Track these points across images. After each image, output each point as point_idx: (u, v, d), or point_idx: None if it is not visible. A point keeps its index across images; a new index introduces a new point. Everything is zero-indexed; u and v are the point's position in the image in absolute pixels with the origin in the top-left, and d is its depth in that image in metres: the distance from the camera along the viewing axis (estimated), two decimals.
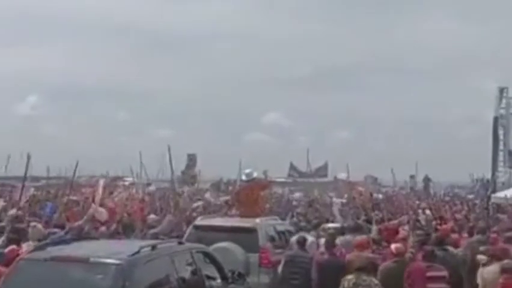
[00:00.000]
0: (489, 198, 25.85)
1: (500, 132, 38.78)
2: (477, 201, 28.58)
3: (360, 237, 10.85)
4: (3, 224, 11.81)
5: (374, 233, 12.42)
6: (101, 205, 14.17)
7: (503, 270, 8.40)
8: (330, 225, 13.95)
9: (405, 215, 16.43)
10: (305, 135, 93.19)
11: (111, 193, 18.99)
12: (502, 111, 38.67)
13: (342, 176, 31.02)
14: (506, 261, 8.65)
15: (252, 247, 10.90)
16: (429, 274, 8.74)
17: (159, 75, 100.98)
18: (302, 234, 11.36)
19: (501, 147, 38.84)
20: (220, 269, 8.66)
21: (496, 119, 38.57)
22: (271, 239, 11.48)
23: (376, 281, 8.20)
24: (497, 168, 38.28)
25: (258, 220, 11.82)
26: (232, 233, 11.16)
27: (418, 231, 12.19)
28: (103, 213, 13.47)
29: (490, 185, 34.65)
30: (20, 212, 13.59)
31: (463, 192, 40.11)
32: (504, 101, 38.68)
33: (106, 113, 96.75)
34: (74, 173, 17.30)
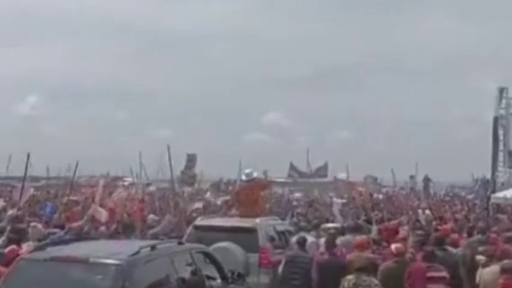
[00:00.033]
0: (489, 198, 25.83)
1: (500, 132, 38.73)
2: (477, 202, 28.58)
3: (360, 238, 10.84)
4: (3, 224, 11.81)
5: (374, 233, 12.42)
6: (101, 205, 14.17)
7: (503, 271, 8.39)
8: (330, 225, 13.94)
9: (405, 215, 16.46)
10: (305, 135, 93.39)
11: (111, 193, 18.96)
12: (502, 112, 38.63)
13: (341, 176, 31.06)
14: (506, 261, 8.62)
15: (252, 247, 10.89)
16: (429, 274, 8.74)
17: (159, 75, 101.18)
18: (302, 234, 11.36)
19: (501, 147, 38.79)
20: (220, 269, 8.65)
21: (496, 119, 38.53)
22: (271, 239, 11.47)
23: (376, 281, 8.20)
24: (497, 168, 38.25)
25: (258, 220, 11.82)
26: (232, 233, 11.15)
27: (418, 231, 12.19)
28: (102, 213, 13.46)
29: (490, 185, 34.61)
30: (19, 212, 13.60)
31: (463, 192, 40.08)
32: (504, 101, 38.64)
33: (106, 113, 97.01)
34: (74, 173, 17.35)
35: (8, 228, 10.62)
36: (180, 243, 8.61)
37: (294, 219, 17.26)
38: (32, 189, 20.67)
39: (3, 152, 33.06)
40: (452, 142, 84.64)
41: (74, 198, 18.44)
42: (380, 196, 29.50)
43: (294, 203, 28.25)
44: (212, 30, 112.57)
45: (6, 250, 8.71)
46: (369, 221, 14.74)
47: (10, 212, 14.10)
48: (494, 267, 8.77)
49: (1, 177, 35.43)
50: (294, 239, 11.11)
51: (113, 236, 12.00)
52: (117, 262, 6.74)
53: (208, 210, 19.94)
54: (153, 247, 7.35)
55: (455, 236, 12.26)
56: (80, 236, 9.74)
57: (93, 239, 9.19)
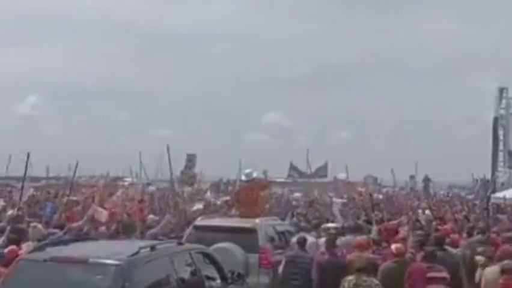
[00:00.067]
0: (489, 198, 25.84)
1: (500, 132, 38.82)
2: (477, 202, 28.58)
3: (360, 238, 10.83)
4: (2, 224, 11.79)
5: (373, 234, 12.41)
6: (100, 205, 14.15)
7: (503, 271, 8.37)
8: (330, 225, 13.92)
9: (405, 215, 16.44)
10: (305, 135, 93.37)
11: (111, 194, 18.95)
12: (502, 112, 38.71)
13: (341, 176, 31.00)
14: (506, 261, 8.61)
15: (252, 247, 10.88)
16: (430, 275, 8.71)
17: (159, 75, 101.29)
18: (302, 234, 11.35)
19: (501, 147, 38.88)
20: (219, 270, 8.64)
21: (495, 119, 38.61)
22: (271, 240, 11.45)
23: (376, 282, 8.20)
24: (497, 168, 38.30)
25: (257, 220, 11.80)
26: (232, 233, 11.14)
27: (418, 232, 12.17)
28: (102, 214, 13.44)
29: (490, 186, 34.63)
30: (19, 212, 13.58)
31: (463, 192, 40.09)
32: (504, 101, 38.73)
33: (106, 113, 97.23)
34: (74, 173, 17.33)
35: (8, 228, 10.62)
36: (180, 244, 8.60)
37: (294, 219, 17.23)
38: (31, 189, 20.69)
39: (3, 152, 33.09)
40: (452, 142, 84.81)
41: (74, 198, 18.40)
42: (380, 196, 29.46)
43: (294, 203, 28.22)
44: (212, 30, 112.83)
45: (6, 250, 8.70)
46: (369, 222, 14.72)
47: (10, 212, 14.10)
48: (496, 267, 8.75)
49: (1, 177, 35.44)
50: (294, 239, 11.10)
51: (113, 236, 11.98)
52: (117, 262, 6.73)
53: (208, 210, 19.90)
54: (153, 247, 7.34)
55: (455, 236, 12.25)
56: (80, 237, 9.73)
57: (92, 240, 9.17)
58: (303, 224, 14.78)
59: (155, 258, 7.19)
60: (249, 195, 13.01)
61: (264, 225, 11.70)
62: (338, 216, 17.47)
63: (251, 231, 11.19)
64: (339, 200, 23.76)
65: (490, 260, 9.22)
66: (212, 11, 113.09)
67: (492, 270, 8.84)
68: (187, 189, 30.26)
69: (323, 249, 10.53)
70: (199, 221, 12.47)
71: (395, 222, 14.63)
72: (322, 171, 44.15)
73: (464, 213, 21.14)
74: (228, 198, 23.30)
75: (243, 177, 14.41)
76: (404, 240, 10.73)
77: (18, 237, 9.93)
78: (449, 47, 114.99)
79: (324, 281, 9.61)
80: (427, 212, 19.51)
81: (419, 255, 9.57)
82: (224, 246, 10.55)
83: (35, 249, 7.53)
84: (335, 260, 9.85)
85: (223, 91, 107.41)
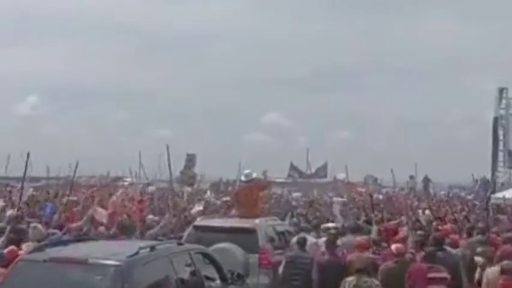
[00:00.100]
0: (489, 199, 25.85)
1: (500, 132, 38.82)
2: (477, 202, 28.57)
3: (361, 238, 10.83)
4: (2, 224, 11.78)
5: (373, 234, 12.40)
6: (100, 206, 14.13)
7: (503, 271, 8.37)
8: (330, 225, 13.91)
9: (405, 215, 16.43)
10: (305, 135, 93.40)
11: (111, 194, 18.92)
12: (502, 112, 38.71)
13: (341, 176, 31.03)
14: (505, 262, 8.60)
15: (252, 248, 10.86)
16: (430, 275, 8.71)
17: (159, 75, 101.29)
18: (302, 234, 11.34)
19: (501, 147, 38.87)
20: (219, 270, 8.63)
21: (495, 120, 38.61)
22: (271, 240, 11.45)
23: (377, 282, 8.19)
24: (497, 168, 38.30)
25: (257, 221, 11.79)
26: (231, 233, 11.13)
27: (418, 232, 12.17)
28: (102, 214, 13.42)
29: (490, 186, 34.64)
30: (19, 213, 13.57)
31: (463, 192, 40.09)
32: (504, 101, 38.73)
33: (106, 113, 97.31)
34: (74, 173, 17.30)
35: (8, 228, 10.61)
36: (179, 244, 8.59)
37: (294, 219, 17.23)
38: (31, 189, 20.66)
39: (3, 152, 33.08)
40: (452, 142, 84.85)
41: (74, 198, 18.39)
42: (380, 196, 29.45)
43: (294, 203, 28.20)
44: (212, 30, 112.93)
45: (6, 251, 8.69)
46: (369, 222, 14.72)
47: (10, 212, 14.09)
48: (498, 268, 8.73)
49: (1, 177, 35.41)
50: (294, 239, 11.09)
51: (112, 236, 11.96)
52: (116, 263, 6.72)
53: (208, 210, 19.88)
54: (152, 248, 7.32)
55: (454, 236, 12.24)
56: (79, 237, 9.71)
57: (92, 240, 9.16)
58: (303, 224, 14.77)
59: (154, 259, 7.17)
60: (249, 195, 12.99)
61: (264, 225, 11.69)
62: (338, 216, 17.47)
63: (251, 232, 11.18)
64: (340, 199, 23.75)
65: (490, 260, 9.20)
66: (212, 11, 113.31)
67: (494, 270, 8.82)
68: (187, 189, 30.24)
69: (323, 249, 10.52)
70: (199, 221, 12.46)
71: (395, 222, 14.62)
72: (322, 171, 44.17)
73: (464, 213, 21.14)
74: (227, 198, 23.28)
75: (243, 178, 14.39)
76: (404, 240, 10.72)
77: (18, 237, 9.92)
78: (449, 47, 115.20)
79: (324, 281, 9.61)
80: (427, 212, 19.50)
81: (419, 256, 9.57)
82: (224, 247, 10.54)
83: (34, 249, 7.52)
84: (335, 260, 9.84)
85: (223, 91, 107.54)
